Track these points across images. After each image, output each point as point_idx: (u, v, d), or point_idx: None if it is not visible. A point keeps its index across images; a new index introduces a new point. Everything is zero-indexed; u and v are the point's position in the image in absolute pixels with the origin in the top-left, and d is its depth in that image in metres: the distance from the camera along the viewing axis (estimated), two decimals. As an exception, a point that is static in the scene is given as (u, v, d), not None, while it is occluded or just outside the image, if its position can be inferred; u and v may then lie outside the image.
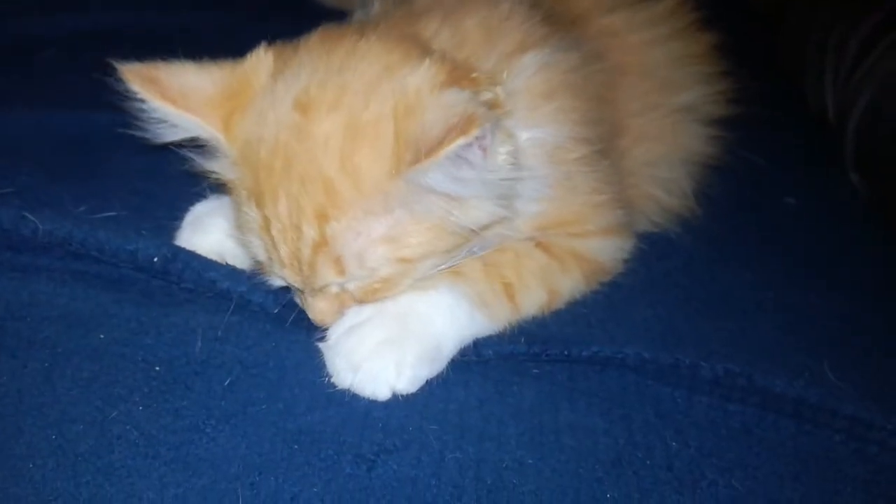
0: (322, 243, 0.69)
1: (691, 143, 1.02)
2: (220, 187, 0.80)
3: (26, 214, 0.78)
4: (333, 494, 0.63)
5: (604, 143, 0.85)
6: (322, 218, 0.68)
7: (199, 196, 0.86)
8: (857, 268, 1.04)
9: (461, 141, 0.62)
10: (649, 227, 0.99)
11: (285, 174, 0.68)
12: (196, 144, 0.76)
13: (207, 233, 0.83)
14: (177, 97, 0.70)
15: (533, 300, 0.81)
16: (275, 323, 0.77)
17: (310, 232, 0.69)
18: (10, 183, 0.85)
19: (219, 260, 0.80)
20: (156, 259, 0.78)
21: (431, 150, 0.63)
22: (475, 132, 0.62)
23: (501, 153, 0.71)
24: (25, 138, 0.95)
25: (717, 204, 1.05)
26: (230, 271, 0.79)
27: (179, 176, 0.89)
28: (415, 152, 0.64)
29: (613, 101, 0.92)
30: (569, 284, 0.84)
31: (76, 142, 0.96)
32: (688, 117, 1.01)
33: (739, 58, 1.07)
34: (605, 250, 0.87)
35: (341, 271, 0.70)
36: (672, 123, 0.99)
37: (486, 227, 0.74)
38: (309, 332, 0.76)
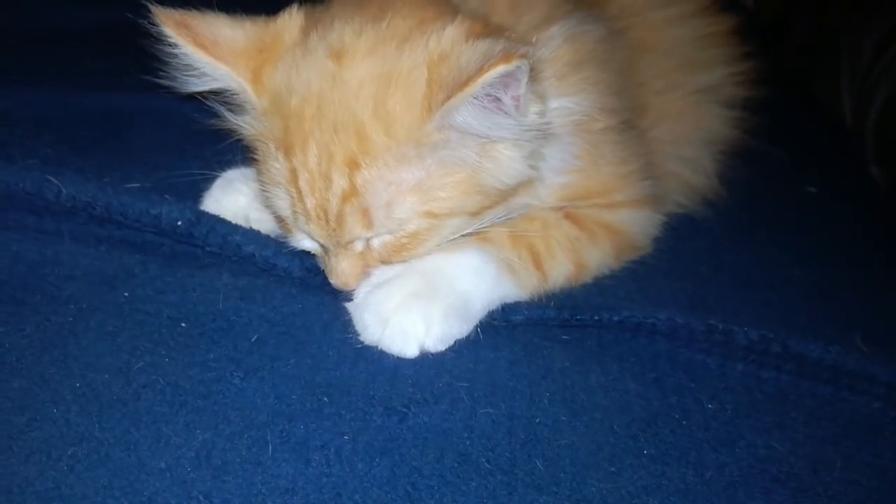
0: (351, 193, 0.68)
1: (712, 124, 1.02)
2: (245, 153, 0.80)
3: (50, 178, 0.77)
4: (364, 443, 0.61)
5: (629, 114, 0.85)
6: (353, 165, 0.67)
7: (222, 168, 0.86)
8: (879, 249, 1.03)
9: (501, 68, 0.61)
10: (675, 208, 0.98)
11: (316, 122, 0.68)
12: (222, 100, 0.75)
13: (236, 195, 0.82)
14: (209, 45, 0.70)
15: (560, 270, 0.80)
16: (300, 286, 0.76)
17: (339, 181, 0.68)
18: (34, 154, 0.84)
19: (243, 223, 0.79)
20: (180, 223, 0.77)
21: (468, 81, 0.62)
22: (516, 62, 0.62)
23: (532, 111, 0.70)
24: (50, 115, 0.94)
25: (741, 191, 1.05)
26: (255, 235, 0.78)
27: (201, 151, 0.89)
28: (448, 90, 0.64)
29: (635, 79, 0.92)
30: (597, 257, 0.83)
31: (99, 119, 0.96)
32: (709, 98, 1.01)
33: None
34: (636, 222, 0.85)
35: (369, 224, 0.69)
36: (693, 103, 0.99)
37: (513, 191, 0.74)
38: (335, 295, 0.75)
